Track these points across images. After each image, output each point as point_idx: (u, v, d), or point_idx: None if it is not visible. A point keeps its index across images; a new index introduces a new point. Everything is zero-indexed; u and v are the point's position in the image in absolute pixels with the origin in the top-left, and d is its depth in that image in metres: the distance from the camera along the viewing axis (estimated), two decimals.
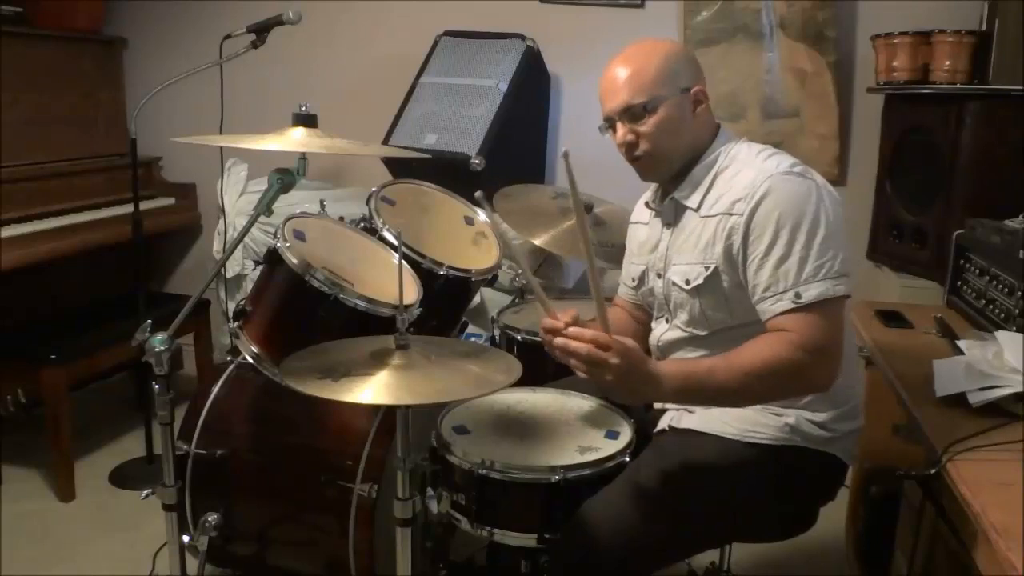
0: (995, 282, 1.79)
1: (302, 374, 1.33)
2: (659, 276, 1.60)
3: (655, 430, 1.60)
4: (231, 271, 2.88)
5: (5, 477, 2.69)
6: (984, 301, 1.83)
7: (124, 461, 2.80)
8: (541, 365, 2.07)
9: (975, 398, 1.38)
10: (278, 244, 1.67)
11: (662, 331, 1.61)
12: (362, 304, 1.64)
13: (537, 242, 2.26)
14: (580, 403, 1.72)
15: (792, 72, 2.78)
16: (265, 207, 1.52)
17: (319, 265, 1.65)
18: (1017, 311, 1.65)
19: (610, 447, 1.52)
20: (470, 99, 2.79)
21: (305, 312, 1.68)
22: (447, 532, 1.84)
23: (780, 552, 2.14)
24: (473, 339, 2.32)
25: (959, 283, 1.99)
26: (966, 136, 2.24)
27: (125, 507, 2.54)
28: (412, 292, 1.75)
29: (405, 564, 1.43)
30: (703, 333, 1.52)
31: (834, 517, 1.93)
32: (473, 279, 1.96)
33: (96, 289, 3.04)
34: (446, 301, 1.94)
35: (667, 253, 1.57)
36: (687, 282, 1.50)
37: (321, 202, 2.14)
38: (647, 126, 1.48)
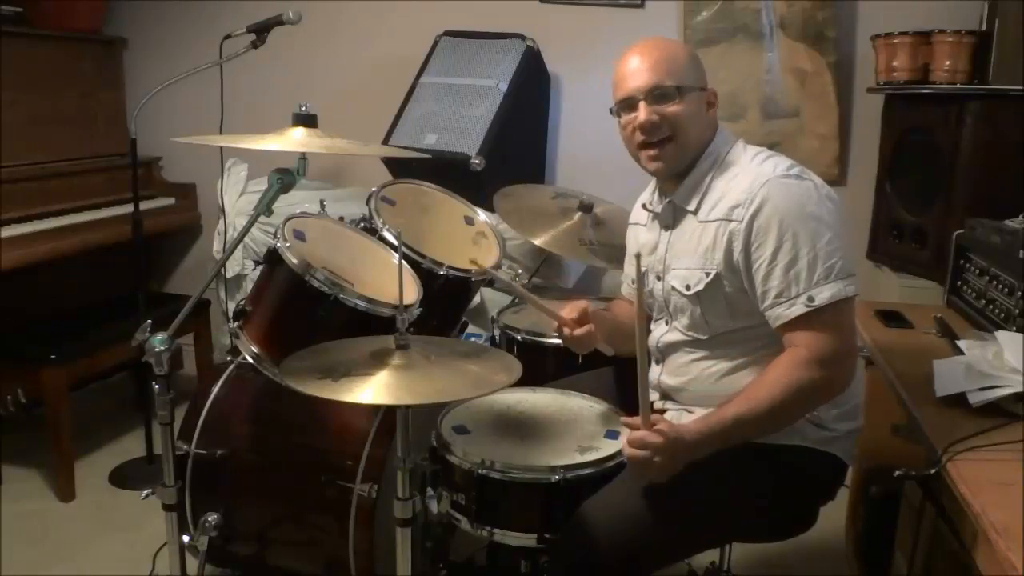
0: (995, 282, 1.78)
1: (302, 374, 1.34)
2: (658, 279, 1.60)
3: None
4: (231, 271, 2.87)
5: (5, 477, 2.69)
6: (984, 301, 1.83)
7: (124, 461, 2.80)
8: (541, 365, 2.09)
9: (975, 398, 1.38)
10: (278, 244, 1.67)
11: (662, 332, 1.61)
12: (362, 304, 1.64)
13: (537, 242, 2.26)
14: (580, 403, 1.72)
15: (792, 72, 2.78)
16: (265, 207, 1.52)
17: (319, 265, 1.65)
18: (1017, 311, 1.65)
19: (610, 447, 1.52)
20: (470, 99, 2.79)
21: (305, 312, 1.68)
22: (447, 532, 1.84)
23: (780, 552, 2.14)
24: (473, 339, 2.32)
25: (959, 283, 1.99)
26: (966, 136, 2.24)
27: (125, 507, 2.53)
28: (412, 292, 1.75)
29: (405, 564, 1.43)
30: (704, 337, 1.53)
31: (834, 517, 1.94)
32: (473, 279, 1.96)
33: (96, 289, 3.03)
34: (446, 301, 1.94)
35: (665, 256, 1.57)
36: (687, 287, 1.50)
37: (321, 202, 2.13)
38: (674, 108, 1.47)
